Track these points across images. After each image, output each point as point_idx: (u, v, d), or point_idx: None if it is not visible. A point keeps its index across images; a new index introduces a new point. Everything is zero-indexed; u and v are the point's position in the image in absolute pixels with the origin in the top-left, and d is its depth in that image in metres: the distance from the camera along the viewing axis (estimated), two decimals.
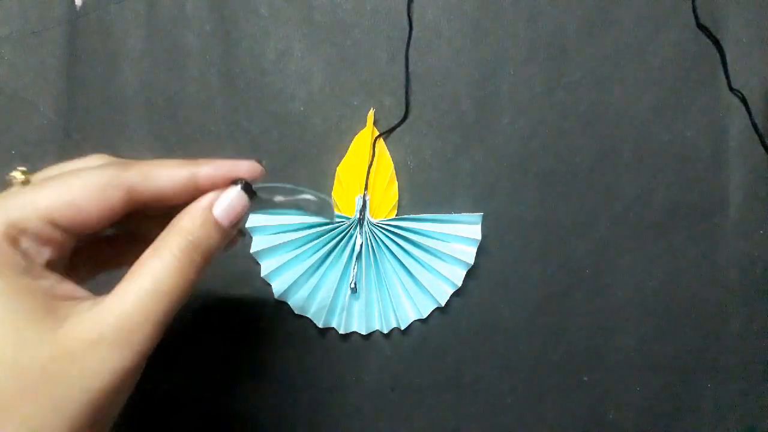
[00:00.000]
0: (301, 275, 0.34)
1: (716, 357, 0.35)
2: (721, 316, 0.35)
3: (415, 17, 0.35)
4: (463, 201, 0.35)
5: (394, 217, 0.35)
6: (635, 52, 0.36)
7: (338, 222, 0.34)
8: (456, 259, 0.33)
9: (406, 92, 0.35)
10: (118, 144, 0.35)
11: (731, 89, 0.35)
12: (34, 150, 0.36)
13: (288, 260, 0.34)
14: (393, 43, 0.35)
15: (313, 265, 0.34)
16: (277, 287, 0.34)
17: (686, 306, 0.35)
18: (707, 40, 0.35)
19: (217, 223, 0.22)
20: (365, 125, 0.35)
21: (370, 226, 0.34)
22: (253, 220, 0.34)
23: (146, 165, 0.22)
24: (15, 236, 0.19)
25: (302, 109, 0.36)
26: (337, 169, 0.35)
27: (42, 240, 0.20)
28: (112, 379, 0.19)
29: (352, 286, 0.34)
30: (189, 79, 0.36)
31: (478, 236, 0.33)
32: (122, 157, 0.34)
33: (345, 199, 0.34)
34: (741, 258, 0.35)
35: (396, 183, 0.35)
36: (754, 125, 0.35)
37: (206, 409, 0.34)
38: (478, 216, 0.33)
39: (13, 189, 0.21)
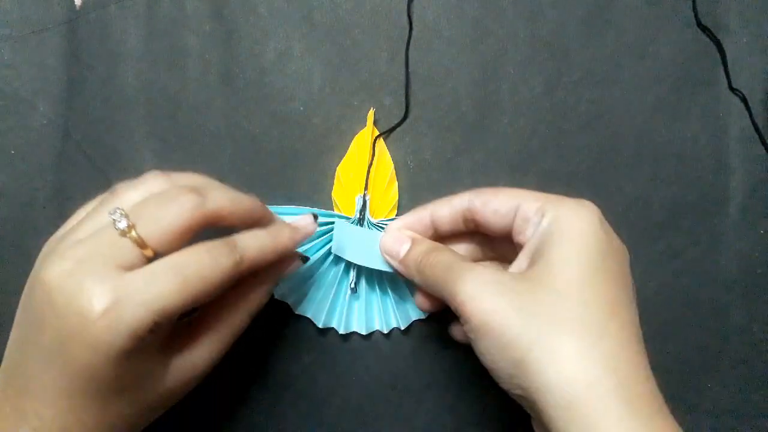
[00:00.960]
0: (302, 274, 0.34)
1: (716, 357, 0.35)
2: (721, 316, 0.35)
3: (415, 17, 0.35)
4: None
5: (394, 217, 0.35)
6: (635, 52, 0.36)
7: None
8: None
9: (406, 92, 0.35)
10: (118, 144, 0.35)
11: (731, 89, 0.35)
12: (34, 149, 0.36)
13: None
14: (393, 43, 0.35)
15: (313, 264, 0.34)
16: (277, 286, 0.34)
17: (686, 306, 0.35)
18: (707, 40, 0.35)
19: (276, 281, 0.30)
20: (365, 125, 0.35)
21: (370, 226, 0.34)
22: None
23: (255, 247, 0.26)
24: (154, 328, 0.23)
25: (302, 109, 0.36)
26: (337, 168, 0.35)
27: (168, 323, 0.24)
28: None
29: (352, 286, 0.34)
30: (189, 79, 0.36)
31: None
32: (123, 156, 0.34)
33: (345, 198, 0.34)
34: (741, 258, 0.35)
35: (396, 183, 0.35)
36: (754, 125, 0.35)
37: (204, 410, 0.34)
38: None
39: (146, 279, 0.23)
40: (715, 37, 0.35)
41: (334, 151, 0.35)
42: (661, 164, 0.35)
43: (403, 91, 0.35)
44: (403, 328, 0.34)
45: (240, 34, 0.36)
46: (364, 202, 0.34)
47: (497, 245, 0.31)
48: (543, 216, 0.26)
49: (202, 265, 0.24)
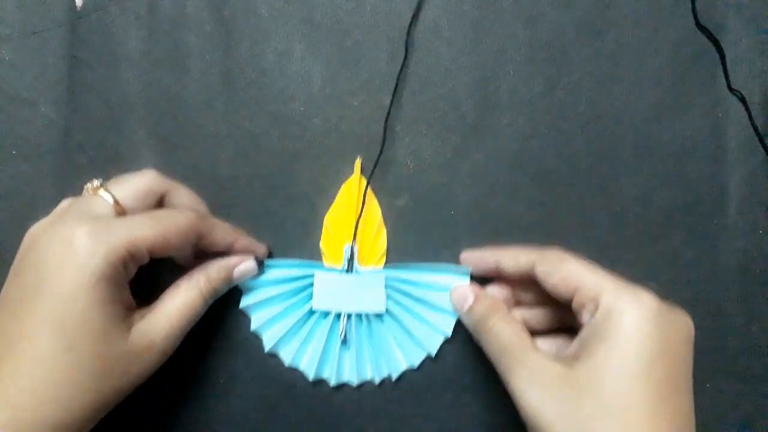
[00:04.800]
0: (292, 326, 0.34)
1: (715, 357, 0.35)
2: (720, 315, 0.35)
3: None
4: (463, 201, 0.35)
5: (382, 265, 0.34)
6: (635, 52, 0.36)
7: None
8: (445, 308, 0.33)
9: (386, 120, 0.34)
10: (119, 144, 0.36)
11: (731, 89, 0.35)
12: (35, 150, 0.36)
13: (278, 312, 0.33)
14: (393, 44, 0.36)
15: (303, 315, 0.34)
16: (268, 339, 0.34)
17: (686, 306, 0.35)
18: (706, 41, 0.36)
19: (231, 279, 0.32)
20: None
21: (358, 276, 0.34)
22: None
23: (212, 221, 0.31)
24: (127, 259, 0.26)
25: (302, 109, 0.36)
26: (325, 217, 0.35)
27: (137, 262, 0.27)
28: (149, 375, 0.28)
29: (342, 336, 0.33)
30: (189, 80, 0.36)
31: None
32: (123, 157, 0.35)
33: (333, 247, 0.34)
34: (741, 258, 0.35)
35: (384, 230, 0.35)
36: (754, 125, 0.35)
37: None
38: (466, 269, 0.33)
39: (123, 219, 0.27)
40: (714, 37, 0.35)
41: (334, 154, 0.35)
42: (661, 164, 0.35)
43: (402, 92, 0.35)
44: (394, 379, 0.34)
45: (240, 35, 0.36)
46: (352, 252, 0.34)
47: (566, 311, 0.30)
48: (597, 307, 0.26)
49: (171, 213, 0.29)
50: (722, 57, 0.35)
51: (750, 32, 0.35)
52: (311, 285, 0.34)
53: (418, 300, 0.34)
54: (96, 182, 0.29)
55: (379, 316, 0.34)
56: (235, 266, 0.32)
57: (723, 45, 0.35)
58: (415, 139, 0.35)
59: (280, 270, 0.34)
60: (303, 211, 0.35)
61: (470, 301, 0.31)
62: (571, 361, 0.26)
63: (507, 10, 0.36)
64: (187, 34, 0.36)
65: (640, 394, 0.24)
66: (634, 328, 0.25)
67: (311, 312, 0.34)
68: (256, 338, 0.34)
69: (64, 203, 0.30)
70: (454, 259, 0.34)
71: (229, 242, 0.31)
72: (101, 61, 0.36)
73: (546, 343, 0.31)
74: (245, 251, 0.32)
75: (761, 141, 0.35)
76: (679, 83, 0.35)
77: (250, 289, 0.34)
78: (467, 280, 0.33)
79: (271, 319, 0.34)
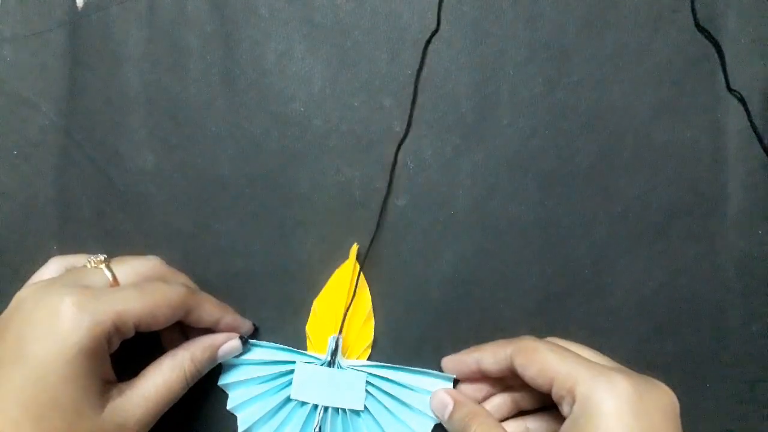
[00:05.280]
0: (268, 411, 0.33)
1: (716, 357, 0.35)
2: (720, 316, 0.35)
3: (414, 18, 0.36)
4: (463, 201, 0.35)
5: (366, 359, 0.34)
6: (635, 52, 0.36)
7: (309, 361, 0.33)
8: (424, 412, 0.33)
9: (380, 212, 0.34)
10: (119, 144, 0.36)
11: (730, 90, 0.35)
12: (36, 150, 0.36)
13: (257, 394, 0.33)
14: (393, 44, 0.36)
15: (281, 401, 0.33)
16: (243, 420, 0.33)
17: (686, 306, 0.35)
18: (706, 42, 0.36)
19: (215, 359, 0.31)
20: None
21: (340, 369, 0.33)
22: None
23: (200, 297, 0.31)
24: (112, 333, 0.26)
25: (302, 109, 0.36)
26: (315, 301, 0.34)
27: (122, 336, 0.27)
28: None
29: (317, 429, 0.33)
30: (190, 80, 0.36)
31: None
32: (123, 157, 0.35)
33: (318, 333, 0.34)
34: (741, 258, 0.35)
35: (373, 321, 0.34)
36: (753, 125, 0.35)
37: None
38: (450, 377, 0.33)
39: (112, 290, 0.27)
40: (713, 38, 0.35)
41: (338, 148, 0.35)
42: (660, 164, 0.35)
43: (404, 91, 0.35)
44: None
45: (241, 35, 0.36)
46: (337, 344, 0.33)
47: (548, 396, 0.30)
48: (574, 399, 0.26)
49: (161, 287, 0.28)
50: (722, 57, 0.35)
51: (750, 32, 0.35)
52: (292, 371, 0.33)
53: (397, 400, 0.33)
54: (101, 257, 0.29)
55: (356, 411, 0.33)
56: (220, 345, 0.31)
57: (723, 45, 0.35)
58: (415, 139, 0.35)
59: (263, 351, 0.33)
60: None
61: (450, 408, 0.31)
62: None
63: (507, 10, 0.36)
64: (188, 35, 0.36)
65: None
66: (614, 420, 0.25)
67: (288, 399, 0.33)
68: (231, 416, 0.33)
69: (52, 263, 0.30)
70: (454, 261, 0.35)
71: (215, 319, 0.31)
72: (102, 62, 0.36)
73: (536, 422, 0.31)
74: (231, 329, 0.32)
75: (761, 141, 0.35)
76: (679, 83, 0.35)
77: (230, 367, 0.33)
78: (450, 384, 0.33)
79: (248, 400, 0.33)
